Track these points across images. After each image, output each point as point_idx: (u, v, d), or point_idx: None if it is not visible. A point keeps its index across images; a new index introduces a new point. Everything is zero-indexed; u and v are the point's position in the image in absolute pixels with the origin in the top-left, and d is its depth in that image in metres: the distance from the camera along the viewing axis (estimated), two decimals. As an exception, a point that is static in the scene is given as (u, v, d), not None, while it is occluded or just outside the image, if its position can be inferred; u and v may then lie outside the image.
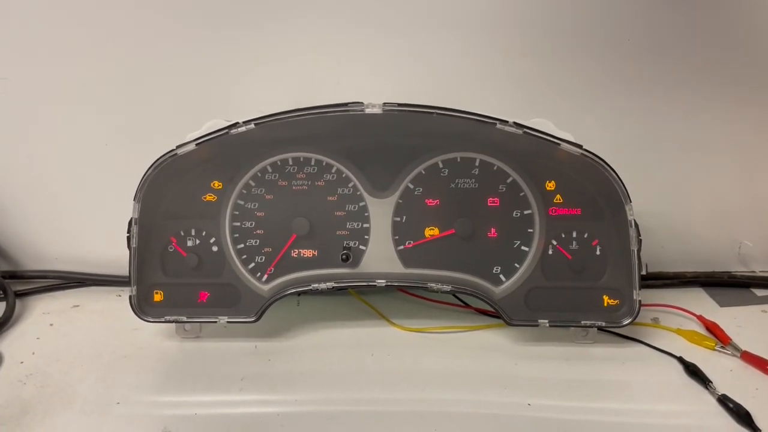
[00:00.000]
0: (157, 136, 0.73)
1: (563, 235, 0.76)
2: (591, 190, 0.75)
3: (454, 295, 0.83)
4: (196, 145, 0.71)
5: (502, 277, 0.76)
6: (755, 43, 0.81)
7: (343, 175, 0.76)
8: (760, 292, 0.91)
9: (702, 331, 0.80)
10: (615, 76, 0.82)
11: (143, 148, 0.72)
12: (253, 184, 0.76)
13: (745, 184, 0.90)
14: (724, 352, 0.76)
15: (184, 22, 0.79)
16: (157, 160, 0.71)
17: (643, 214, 0.73)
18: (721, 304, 0.87)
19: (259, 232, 0.76)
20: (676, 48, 0.81)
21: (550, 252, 0.76)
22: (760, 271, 0.95)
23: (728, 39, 0.81)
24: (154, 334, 0.79)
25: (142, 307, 0.75)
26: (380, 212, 0.76)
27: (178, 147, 0.71)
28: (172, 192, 0.75)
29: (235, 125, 0.70)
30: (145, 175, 0.72)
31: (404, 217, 0.77)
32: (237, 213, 0.76)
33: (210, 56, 0.81)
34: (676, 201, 0.91)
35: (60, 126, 0.84)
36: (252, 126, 0.70)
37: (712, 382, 0.69)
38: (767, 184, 0.90)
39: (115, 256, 0.78)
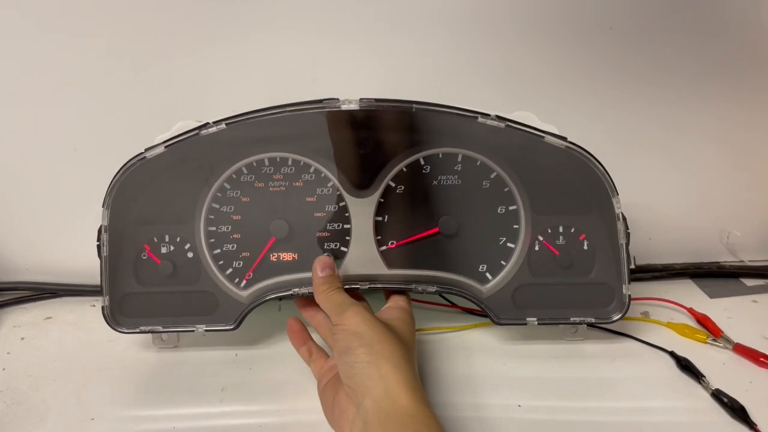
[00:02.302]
0: (127, 140, 0.69)
1: (549, 231, 0.74)
2: (577, 184, 0.73)
3: (440, 295, 0.81)
4: (166, 147, 0.68)
5: (488, 275, 0.74)
6: (741, 29, 0.80)
7: (322, 175, 0.73)
8: (749, 282, 0.90)
9: (693, 323, 0.79)
10: (597, 66, 0.81)
11: (113, 153, 0.69)
12: (228, 186, 0.73)
13: (732, 173, 0.89)
14: (716, 345, 0.75)
15: (152, 21, 0.76)
16: (126, 164, 0.69)
17: (629, 206, 0.72)
18: (711, 296, 0.86)
19: (235, 236, 0.74)
20: (660, 36, 0.79)
21: (537, 248, 0.74)
22: (749, 261, 0.94)
23: (713, 25, 0.79)
24: (130, 345, 0.77)
25: (116, 318, 0.72)
26: (361, 212, 0.74)
27: (147, 150, 0.68)
28: (142, 197, 0.72)
29: (206, 126, 0.68)
30: (113, 180, 0.69)
31: (386, 217, 0.74)
32: (212, 217, 0.74)
33: (180, 55, 0.78)
34: (662, 192, 0.90)
35: (27, 131, 0.81)
36: (223, 126, 0.67)
37: (705, 377, 0.68)
38: (754, 173, 0.89)
39: (88, 265, 0.74)
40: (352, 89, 0.69)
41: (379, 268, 0.74)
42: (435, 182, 0.74)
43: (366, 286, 0.72)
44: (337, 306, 0.63)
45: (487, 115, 0.68)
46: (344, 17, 0.77)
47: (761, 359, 0.71)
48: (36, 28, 0.75)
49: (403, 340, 0.60)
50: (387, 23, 0.77)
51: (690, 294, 0.87)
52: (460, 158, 0.73)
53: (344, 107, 0.67)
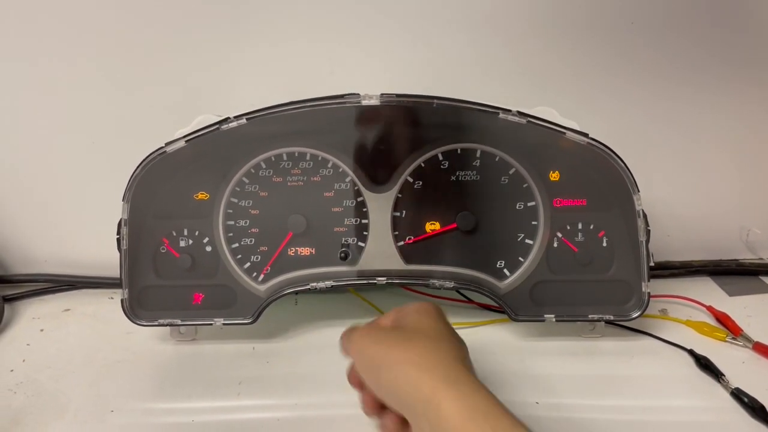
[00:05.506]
0: (146, 134, 0.70)
1: (568, 227, 0.74)
2: (597, 180, 0.72)
3: (457, 291, 0.81)
4: (186, 141, 0.68)
5: (506, 271, 0.74)
6: (763, 24, 0.78)
7: (340, 170, 0.73)
8: (769, 280, 0.89)
9: (712, 321, 0.79)
10: (619, 62, 0.80)
11: (132, 146, 0.70)
12: (246, 181, 0.73)
13: (752, 170, 0.88)
14: (736, 344, 0.74)
15: (170, 14, 0.76)
16: (146, 158, 0.69)
17: (647, 202, 0.71)
18: (730, 294, 0.86)
19: (254, 230, 0.74)
20: (681, 31, 0.78)
21: (556, 245, 0.74)
22: (769, 258, 0.93)
23: (734, 21, 0.78)
24: (148, 338, 0.77)
25: (135, 311, 0.73)
26: (379, 207, 0.74)
27: (167, 144, 0.69)
28: (162, 191, 0.72)
29: (226, 120, 0.68)
30: (133, 174, 0.69)
31: (404, 212, 0.74)
32: (231, 211, 0.74)
33: (199, 49, 0.78)
34: (681, 188, 0.89)
35: (46, 125, 0.81)
36: (243, 121, 0.67)
37: (724, 376, 0.68)
38: (775, 170, 0.88)
39: (107, 258, 0.75)
40: (368, 86, 0.69)
41: (397, 263, 0.74)
42: (453, 178, 0.73)
43: (383, 281, 0.72)
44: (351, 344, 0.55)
45: (508, 111, 0.67)
46: (362, 13, 0.76)
47: (782, 358, 0.70)
48: (55, 22, 0.75)
49: (422, 333, 0.52)
50: (404, 20, 0.77)
51: (709, 292, 0.86)
52: (478, 154, 0.73)
53: (365, 102, 0.67)
